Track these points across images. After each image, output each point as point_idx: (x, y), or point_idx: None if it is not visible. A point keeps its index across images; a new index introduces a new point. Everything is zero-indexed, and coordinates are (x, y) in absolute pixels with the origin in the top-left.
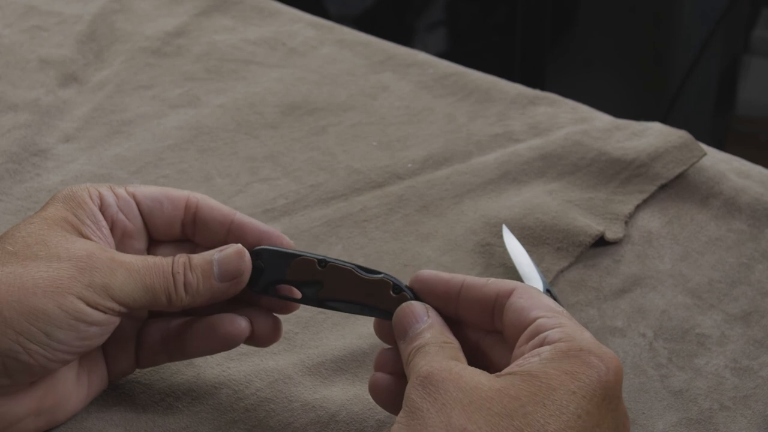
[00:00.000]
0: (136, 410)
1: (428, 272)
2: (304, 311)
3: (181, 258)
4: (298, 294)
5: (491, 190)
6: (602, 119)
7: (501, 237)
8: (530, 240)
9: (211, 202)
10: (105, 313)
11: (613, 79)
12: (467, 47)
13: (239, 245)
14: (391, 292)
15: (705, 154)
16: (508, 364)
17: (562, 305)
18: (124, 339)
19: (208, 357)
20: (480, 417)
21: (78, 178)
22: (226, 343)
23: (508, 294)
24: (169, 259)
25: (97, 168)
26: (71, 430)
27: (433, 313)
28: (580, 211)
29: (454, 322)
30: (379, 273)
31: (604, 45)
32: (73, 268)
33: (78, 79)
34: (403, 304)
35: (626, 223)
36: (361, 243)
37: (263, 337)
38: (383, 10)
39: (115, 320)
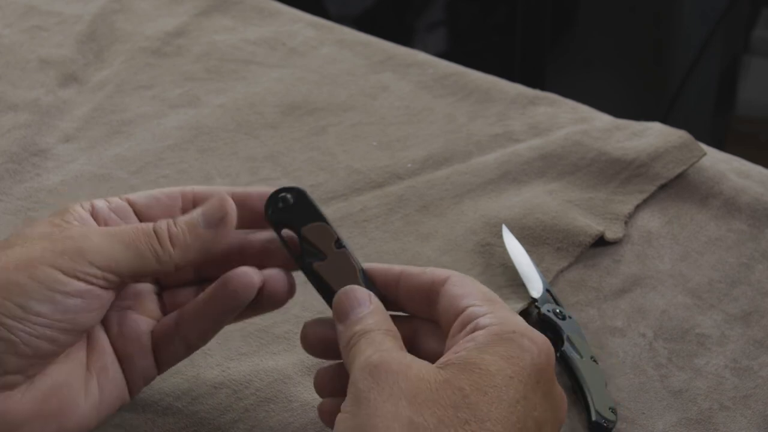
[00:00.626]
0: (136, 410)
1: (371, 265)
2: (304, 311)
3: (164, 219)
4: (298, 250)
5: (491, 190)
6: (602, 119)
7: (501, 237)
8: (530, 240)
9: (207, 188)
10: (86, 281)
11: (613, 79)
12: (467, 47)
13: (222, 194)
14: None
15: (705, 154)
16: (443, 353)
17: (561, 305)
18: (137, 335)
19: (207, 356)
20: (426, 409)
21: (78, 178)
22: (238, 299)
23: (443, 282)
24: (151, 222)
25: (97, 168)
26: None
27: (375, 299)
28: (580, 211)
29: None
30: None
31: (604, 45)
32: (46, 240)
33: (78, 79)
34: (346, 287)
35: (626, 223)
36: (361, 243)
37: (277, 294)
38: (383, 10)
39: (99, 291)
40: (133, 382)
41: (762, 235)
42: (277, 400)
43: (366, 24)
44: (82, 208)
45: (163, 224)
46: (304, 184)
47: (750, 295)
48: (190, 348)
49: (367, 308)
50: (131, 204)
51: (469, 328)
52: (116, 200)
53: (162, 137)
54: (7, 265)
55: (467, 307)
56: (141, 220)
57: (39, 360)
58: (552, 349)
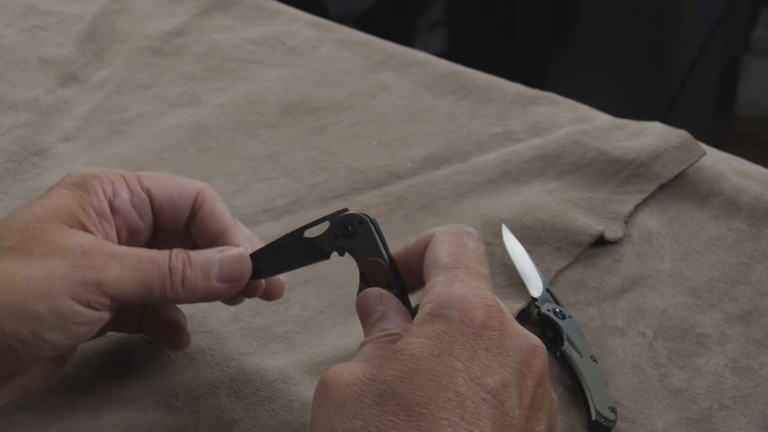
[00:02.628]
0: (136, 409)
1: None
2: (304, 311)
3: (180, 254)
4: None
5: (491, 189)
6: (602, 119)
7: (501, 236)
8: (530, 239)
9: (215, 208)
10: (97, 309)
11: (613, 79)
12: (467, 47)
13: (241, 249)
14: None
15: (704, 153)
16: None
17: (561, 305)
18: (131, 313)
19: (207, 355)
20: (355, 413)
21: None
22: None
23: (424, 251)
24: (166, 254)
25: (97, 167)
26: (73, 429)
27: (387, 299)
28: (580, 211)
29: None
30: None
31: (604, 45)
32: (67, 265)
33: (78, 79)
34: (361, 293)
35: (626, 222)
36: None
37: (273, 289)
38: (383, 10)
39: (106, 316)
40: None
41: (762, 235)
42: (277, 400)
43: (366, 24)
44: (104, 192)
45: (179, 264)
46: (304, 183)
47: (750, 294)
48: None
49: (377, 312)
50: (151, 199)
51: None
52: (138, 190)
53: (162, 136)
54: (27, 291)
55: (429, 280)
56: (155, 217)
57: (32, 366)
58: (494, 308)
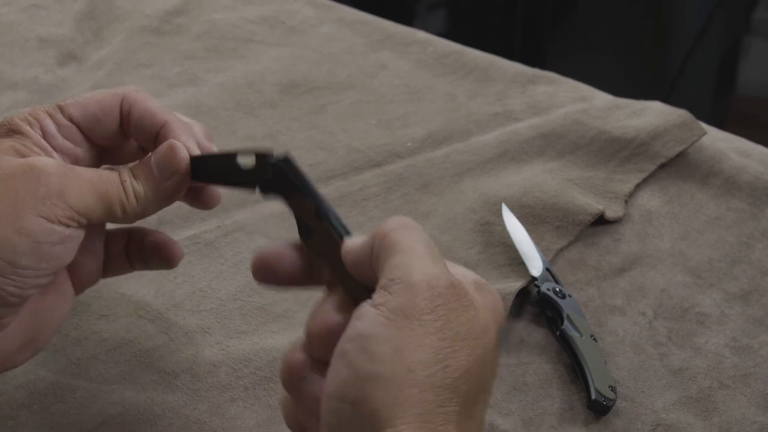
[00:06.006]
0: (135, 388)
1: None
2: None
3: (125, 168)
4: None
5: (491, 168)
6: (602, 98)
7: (500, 216)
8: (530, 219)
9: (146, 107)
10: (67, 225)
11: (614, 61)
12: (467, 29)
13: (171, 140)
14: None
15: (705, 133)
16: None
17: (561, 284)
18: (94, 251)
19: (207, 335)
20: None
21: None
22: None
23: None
24: (117, 170)
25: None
26: (73, 408)
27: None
28: (580, 190)
29: None
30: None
31: (605, 27)
32: (26, 179)
33: (77, 58)
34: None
35: (626, 202)
36: (360, 221)
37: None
38: None
39: (78, 234)
40: (80, 287)
41: (762, 214)
42: (276, 379)
43: (366, 4)
44: (31, 127)
45: (126, 177)
46: (303, 162)
47: (750, 274)
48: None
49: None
50: (76, 125)
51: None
52: (62, 120)
53: None
54: None
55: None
56: (86, 138)
57: (25, 301)
58: (433, 280)
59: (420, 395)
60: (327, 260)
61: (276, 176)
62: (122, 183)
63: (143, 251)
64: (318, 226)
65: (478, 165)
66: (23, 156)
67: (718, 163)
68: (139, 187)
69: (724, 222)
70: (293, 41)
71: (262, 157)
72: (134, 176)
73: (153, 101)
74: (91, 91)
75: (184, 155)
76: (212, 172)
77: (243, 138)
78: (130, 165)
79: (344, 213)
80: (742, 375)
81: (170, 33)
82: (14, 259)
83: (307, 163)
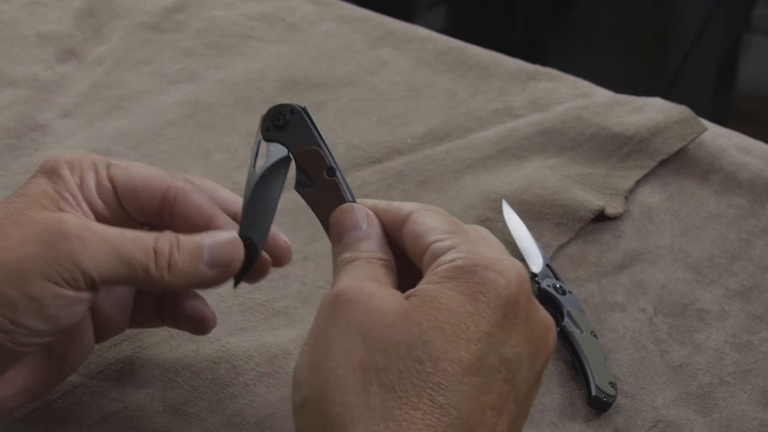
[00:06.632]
0: (135, 385)
1: (367, 201)
2: (303, 287)
3: (169, 236)
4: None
5: (491, 165)
6: (602, 94)
7: (501, 212)
8: (530, 215)
9: (192, 200)
10: (75, 288)
11: (614, 58)
12: (467, 26)
13: (234, 234)
14: None
15: (705, 129)
16: None
17: (561, 280)
18: (124, 303)
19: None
20: (380, 348)
21: None
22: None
23: (404, 221)
24: (153, 234)
25: (96, 143)
26: (70, 405)
27: (374, 221)
28: (580, 187)
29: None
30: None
31: (606, 24)
32: (39, 242)
33: (77, 55)
34: (344, 205)
35: (626, 198)
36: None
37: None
38: None
39: (86, 297)
40: (104, 336)
41: (762, 211)
42: (276, 376)
43: (366, 2)
44: (71, 173)
45: (165, 245)
46: None
47: (750, 270)
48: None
49: (361, 230)
50: (115, 189)
51: (434, 265)
52: (104, 180)
53: (161, 113)
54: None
55: (430, 244)
56: (122, 206)
57: (23, 356)
58: (523, 275)
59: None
60: (321, 214)
61: (296, 124)
62: (156, 249)
63: (176, 313)
64: (325, 182)
65: (479, 161)
66: (54, 203)
67: (718, 160)
68: (180, 259)
69: (725, 218)
70: (293, 38)
71: (281, 106)
72: (179, 246)
73: (201, 194)
74: (143, 164)
75: (240, 257)
76: (260, 223)
77: (243, 134)
78: (179, 235)
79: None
80: (742, 371)
81: (170, 30)
82: (15, 318)
83: None
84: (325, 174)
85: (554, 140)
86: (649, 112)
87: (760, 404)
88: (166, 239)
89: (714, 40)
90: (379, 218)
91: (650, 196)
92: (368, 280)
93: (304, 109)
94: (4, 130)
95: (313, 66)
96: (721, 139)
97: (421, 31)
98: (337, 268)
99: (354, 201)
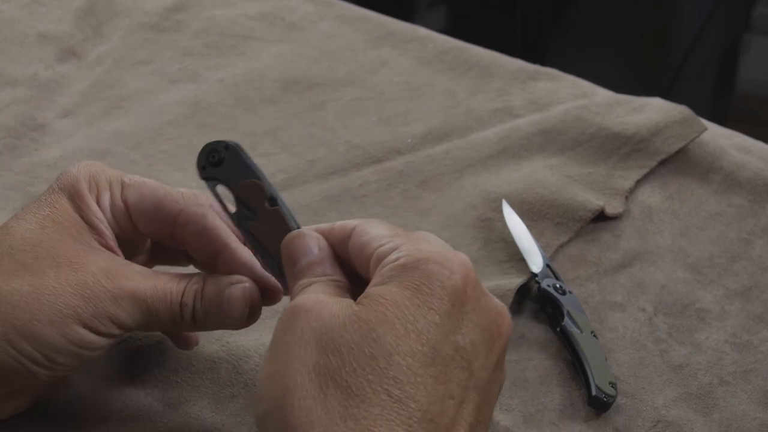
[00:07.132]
0: (135, 384)
1: (309, 227)
2: None
3: (193, 285)
4: (231, 207)
5: (491, 165)
6: (602, 94)
7: (500, 212)
8: (530, 215)
9: (204, 226)
10: (110, 336)
11: (614, 58)
12: (467, 26)
13: (254, 287)
14: None
15: (705, 129)
16: None
17: (561, 280)
18: None
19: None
20: (332, 349)
21: (77, 153)
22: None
23: (348, 236)
24: (181, 287)
25: (96, 143)
26: (70, 406)
27: (324, 244)
28: (580, 186)
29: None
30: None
31: (606, 24)
32: (78, 296)
33: (77, 55)
34: (294, 233)
35: (626, 198)
36: (359, 217)
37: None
38: None
39: (116, 340)
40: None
41: (762, 211)
42: None
43: (366, 2)
44: (89, 192)
45: (189, 299)
46: (303, 159)
47: (750, 270)
48: None
49: (312, 255)
50: (128, 210)
51: (379, 267)
52: (118, 200)
53: (161, 112)
54: (40, 316)
55: (375, 250)
56: (131, 226)
57: (57, 381)
58: (468, 265)
59: None
60: (267, 246)
61: (231, 159)
62: (182, 305)
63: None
64: (267, 212)
65: (479, 161)
66: (81, 231)
67: (718, 160)
68: (202, 311)
69: (725, 218)
70: (293, 38)
71: (215, 143)
72: (203, 297)
73: (212, 218)
74: (156, 183)
75: (258, 301)
76: (272, 265)
77: (243, 134)
78: (204, 284)
79: (344, 209)
80: (742, 371)
81: (170, 30)
82: (53, 356)
83: (307, 159)
84: (267, 204)
85: (554, 140)
86: (649, 111)
87: (760, 404)
88: (190, 292)
89: (714, 40)
90: (327, 240)
91: (650, 195)
92: (323, 294)
93: (237, 144)
94: (4, 129)
95: (313, 66)
96: (721, 138)
97: (421, 31)
98: (294, 294)
99: (299, 227)
